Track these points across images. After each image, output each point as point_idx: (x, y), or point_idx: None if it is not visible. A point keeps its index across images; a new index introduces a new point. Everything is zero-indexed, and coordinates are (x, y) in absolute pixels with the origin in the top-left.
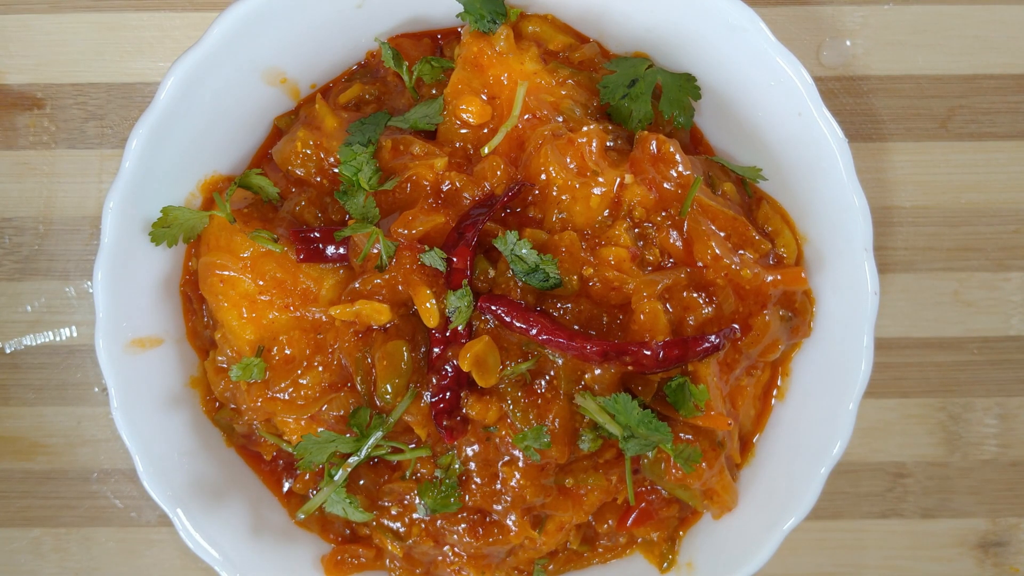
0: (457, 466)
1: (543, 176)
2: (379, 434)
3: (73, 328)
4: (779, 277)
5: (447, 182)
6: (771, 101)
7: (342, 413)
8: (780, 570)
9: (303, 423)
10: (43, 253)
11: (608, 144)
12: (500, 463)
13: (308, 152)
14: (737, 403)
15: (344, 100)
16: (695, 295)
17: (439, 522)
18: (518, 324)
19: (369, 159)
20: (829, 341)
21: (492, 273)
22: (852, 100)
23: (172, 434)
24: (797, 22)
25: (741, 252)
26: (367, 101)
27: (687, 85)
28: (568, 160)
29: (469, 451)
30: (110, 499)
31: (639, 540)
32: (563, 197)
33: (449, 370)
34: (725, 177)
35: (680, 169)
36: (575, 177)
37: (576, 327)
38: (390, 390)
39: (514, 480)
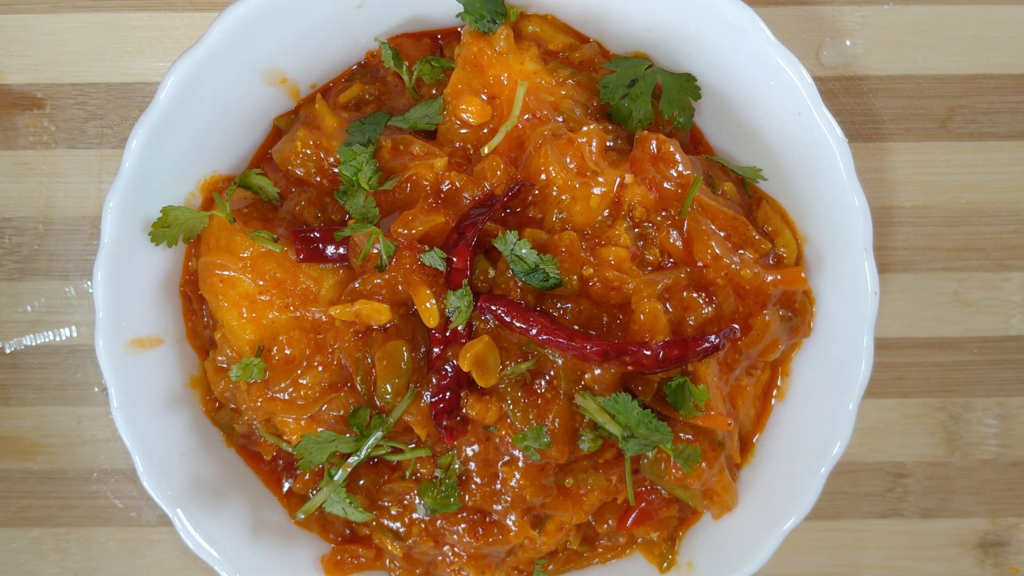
0: (457, 466)
1: (543, 176)
2: (379, 434)
3: (73, 328)
4: (779, 277)
5: (447, 182)
6: (771, 101)
7: (342, 413)
8: (780, 570)
9: (303, 423)
10: (43, 253)
11: (608, 144)
12: (500, 463)
13: (308, 152)
14: (737, 403)
15: (344, 100)
16: (695, 295)
17: (439, 522)
18: (518, 324)
19: (369, 159)
20: (829, 341)
21: (492, 273)
22: (852, 100)
23: (172, 434)
24: (797, 22)
25: (741, 252)
26: (367, 101)
27: (687, 85)
28: (568, 160)
29: (469, 451)
30: (110, 499)
31: (639, 540)
32: (563, 197)
33: (449, 370)
34: (725, 177)
35: (680, 169)
36: (575, 177)
37: (576, 327)
38: (390, 390)
39: (514, 480)
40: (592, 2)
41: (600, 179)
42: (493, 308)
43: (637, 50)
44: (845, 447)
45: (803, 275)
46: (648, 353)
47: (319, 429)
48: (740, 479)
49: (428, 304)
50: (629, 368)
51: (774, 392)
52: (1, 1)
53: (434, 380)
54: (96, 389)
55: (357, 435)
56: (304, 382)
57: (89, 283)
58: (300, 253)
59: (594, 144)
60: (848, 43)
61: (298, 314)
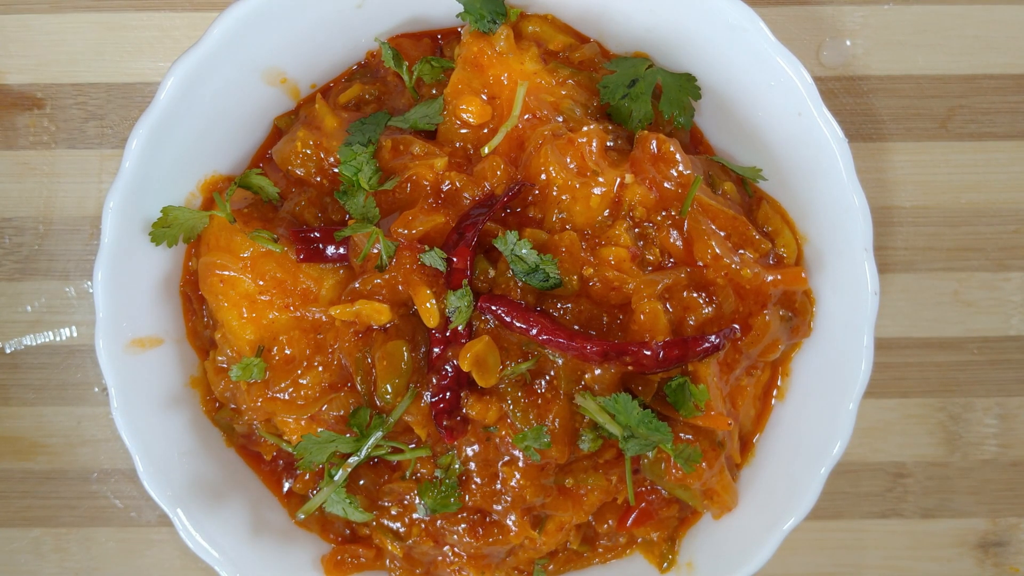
0: (457, 466)
1: (543, 176)
2: (379, 434)
3: (73, 328)
4: (779, 277)
5: (447, 182)
6: (771, 101)
7: (342, 413)
8: (780, 570)
9: (303, 423)
10: (43, 253)
11: (608, 144)
12: (500, 463)
13: (308, 152)
14: (737, 403)
15: (344, 100)
16: (695, 295)
17: (439, 522)
18: (518, 324)
19: (369, 159)
20: (829, 341)
21: (492, 273)
22: (852, 100)
23: (172, 434)
24: (797, 22)
25: (741, 252)
26: (367, 101)
27: (687, 85)
28: (568, 160)
29: (469, 451)
30: (110, 499)
31: (639, 540)
32: (563, 197)
33: (449, 370)
34: (725, 177)
35: (680, 168)
36: (575, 177)
37: (576, 327)
38: (390, 390)
39: (514, 480)
40: (592, 2)
41: (600, 179)
42: (493, 308)
43: (637, 50)
44: (845, 447)
45: (803, 275)
46: (648, 353)
47: (319, 429)
48: (740, 479)
49: (428, 304)
50: (629, 368)
51: (774, 392)
52: (1, 1)
53: (434, 380)
54: (96, 389)
55: (357, 435)
56: (304, 382)
57: (89, 283)
58: (300, 253)
59: (594, 144)
60: (848, 43)
61: (298, 314)
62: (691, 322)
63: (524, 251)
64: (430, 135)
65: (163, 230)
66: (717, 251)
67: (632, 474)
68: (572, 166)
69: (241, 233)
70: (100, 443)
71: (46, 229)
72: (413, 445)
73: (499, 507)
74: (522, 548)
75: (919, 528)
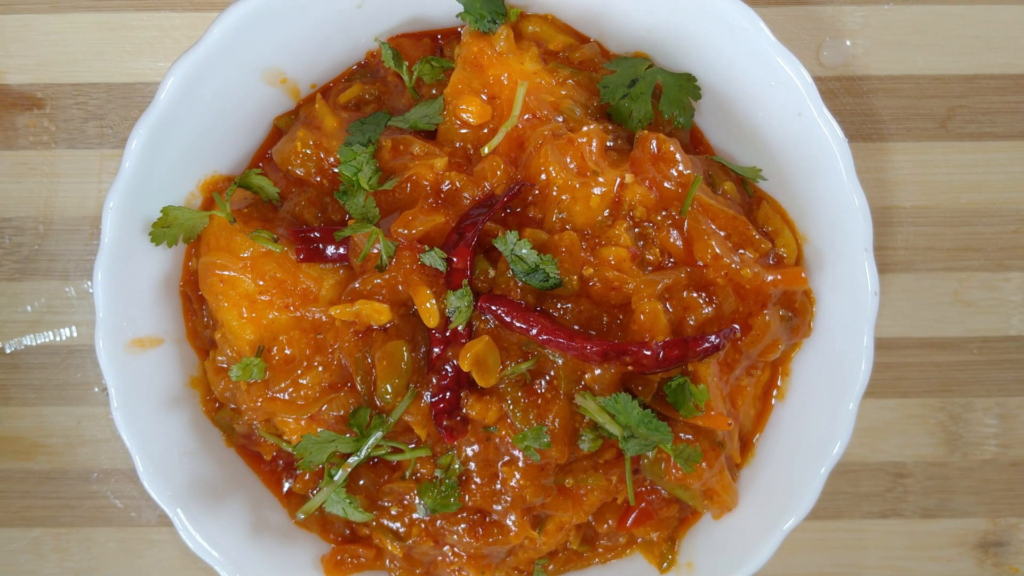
0: (457, 466)
1: (543, 176)
2: (379, 434)
3: (73, 328)
4: (779, 277)
5: (447, 182)
6: (771, 101)
7: (342, 413)
8: (780, 570)
9: (303, 423)
10: (43, 253)
11: (608, 144)
12: (500, 463)
13: (308, 152)
14: (737, 403)
15: (344, 100)
16: (695, 295)
17: (439, 522)
18: (518, 324)
19: (369, 159)
20: (829, 341)
21: (492, 273)
22: (852, 100)
23: (172, 434)
24: (797, 22)
25: (741, 251)
26: (367, 101)
27: (687, 85)
28: (568, 160)
29: (469, 451)
30: (110, 499)
31: (639, 540)
32: (563, 197)
33: (449, 370)
34: (725, 176)
35: (680, 168)
36: (575, 177)
37: (576, 327)
38: (390, 390)
39: (514, 480)
40: (592, 2)
41: (600, 179)
42: (493, 308)
43: (637, 50)
44: (845, 447)
45: (803, 275)
46: (648, 353)
47: (319, 429)
48: (740, 479)
49: (428, 304)
50: (629, 368)
51: (774, 392)
52: (1, 1)
53: (434, 380)
54: (96, 389)
55: (357, 435)
56: (304, 382)
57: (89, 283)
58: (300, 253)
59: (594, 144)
60: (848, 43)
61: (298, 314)
62: (691, 322)
63: (524, 251)
64: (430, 135)
65: (163, 230)
66: (717, 251)
67: (632, 474)
68: (572, 166)
69: (241, 233)
70: (100, 443)
71: (46, 229)
72: (413, 445)
73: (499, 507)
74: (522, 548)
75: (919, 528)
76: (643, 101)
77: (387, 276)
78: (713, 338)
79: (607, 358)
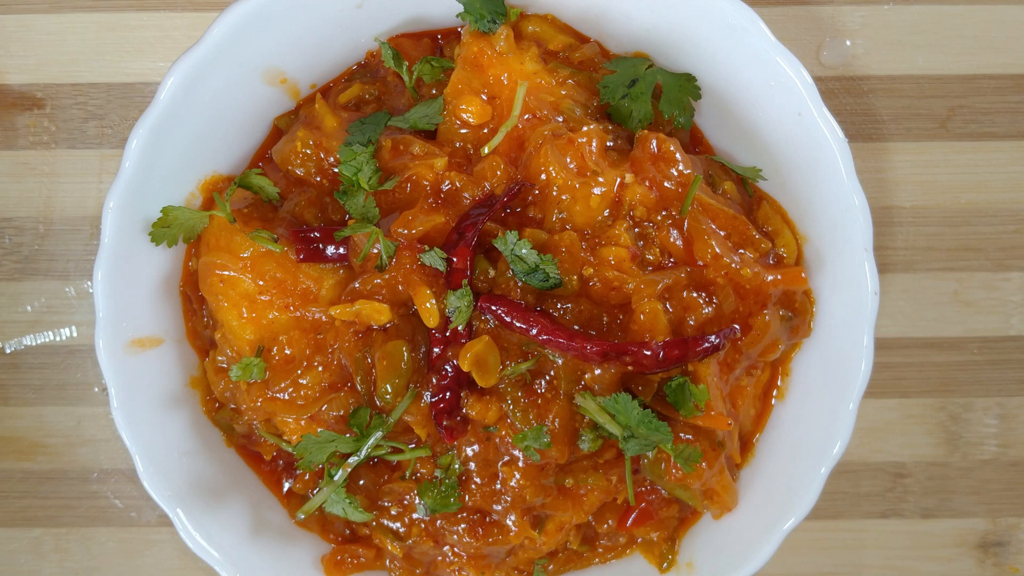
0: (457, 466)
1: (543, 176)
2: (379, 434)
3: (73, 328)
4: (779, 277)
5: (447, 182)
6: (771, 101)
7: (342, 413)
8: (780, 570)
9: (303, 423)
10: (43, 253)
11: (608, 144)
12: (500, 463)
13: (308, 152)
14: (737, 403)
15: (344, 100)
16: (695, 295)
17: (439, 522)
18: (518, 324)
19: (369, 159)
20: (829, 341)
21: (492, 273)
22: (852, 100)
23: (172, 434)
24: (797, 22)
25: (741, 251)
26: (367, 101)
27: (687, 85)
28: (568, 160)
29: (469, 451)
30: (110, 499)
31: (639, 540)
32: (563, 197)
33: (449, 370)
34: (725, 176)
35: (680, 168)
36: (575, 177)
37: (576, 327)
38: (390, 390)
39: (514, 480)
40: (592, 2)
41: (600, 179)
42: (493, 308)
43: (637, 50)
44: (845, 447)
45: (803, 275)
46: (648, 353)
47: (319, 429)
48: (740, 479)
49: (428, 304)
50: (629, 368)
51: (774, 392)
52: (1, 1)
53: (434, 380)
54: (96, 389)
55: (357, 435)
56: (304, 382)
57: (89, 283)
58: (300, 253)
59: (594, 144)
60: (848, 43)
61: (298, 314)
62: (691, 322)
63: (524, 251)
64: (430, 135)
65: (163, 230)
66: (717, 250)
67: (632, 474)
68: (572, 166)
69: (241, 233)
70: (100, 443)
71: (46, 229)
72: (413, 445)
73: (499, 507)
74: (522, 548)
75: (919, 528)
76: (643, 101)
77: (387, 276)
78: (713, 338)
79: (607, 358)
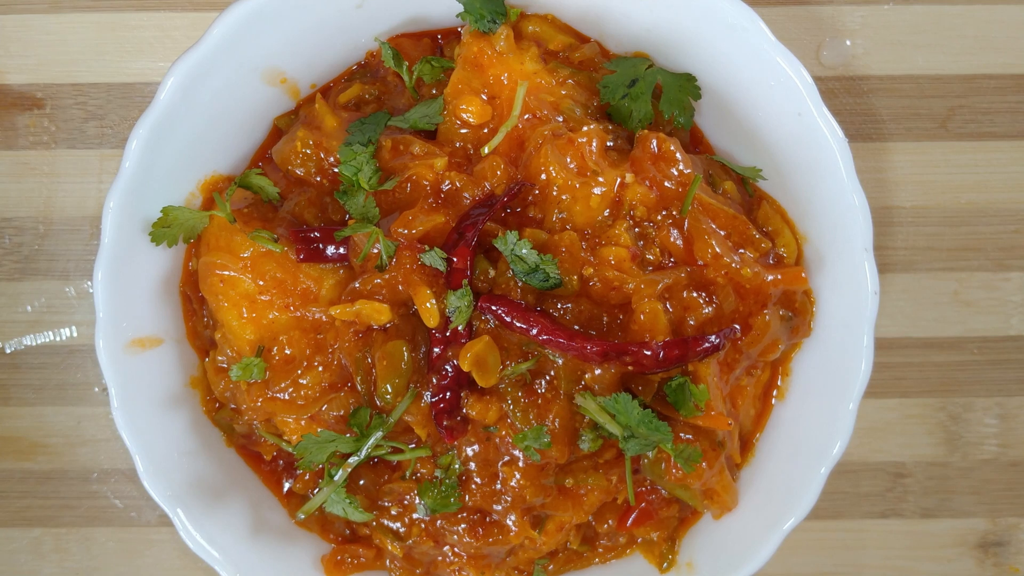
0: (457, 466)
1: (543, 176)
2: (379, 434)
3: (73, 328)
4: (779, 277)
5: (447, 182)
6: (771, 101)
7: (342, 413)
8: (780, 570)
9: (303, 423)
10: (43, 253)
11: (608, 144)
12: (500, 463)
13: (308, 152)
14: (737, 403)
15: (344, 100)
16: (695, 295)
17: (439, 522)
18: (518, 324)
19: (369, 159)
20: (829, 341)
21: (492, 273)
22: (852, 100)
23: (172, 434)
24: (797, 22)
25: (741, 251)
26: (367, 101)
27: (687, 85)
28: (568, 160)
29: (469, 451)
30: (110, 499)
31: (639, 540)
32: (563, 197)
33: (449, 370)
34: (725, 176)
35: (681, 167)
36: (575, 177)
37: (576, 327)
38: (390, 390)
39: (514, 480)
40: (592, 2)
41: (600, 179)
42: (493, 308)
43: (637, 50)
44: (845, 447)
45: (803, 275)
46: (648, 353)
47: (319, 429)
48: (740, 479)
49: (428, 304)
50: (629, 368)
51: (774, 392)
52: (1, 1)
53: (434, 380)
54: (96, 389)
55: (357, 435)
56: (304, 382)
57: (89, 283)
58: (300, 253)
59: (594, 144)
60: (848, 43)
61: (298, 314)
62: (691, 322)
63: (524, 251)
64: (430, 135)
65: (163, 230)
66: (717, 250)
67: (632, 474)
68: (572, 166)
69: (241, 233)
70: (100, 443)
71: (46, 229)
72: (413, 445)
73: (499, 507)
74: (522, 548)
75: (919, 528)
76: (643, 101)
77: (387, 276)
78: (713, 338)
79: (607, 358)
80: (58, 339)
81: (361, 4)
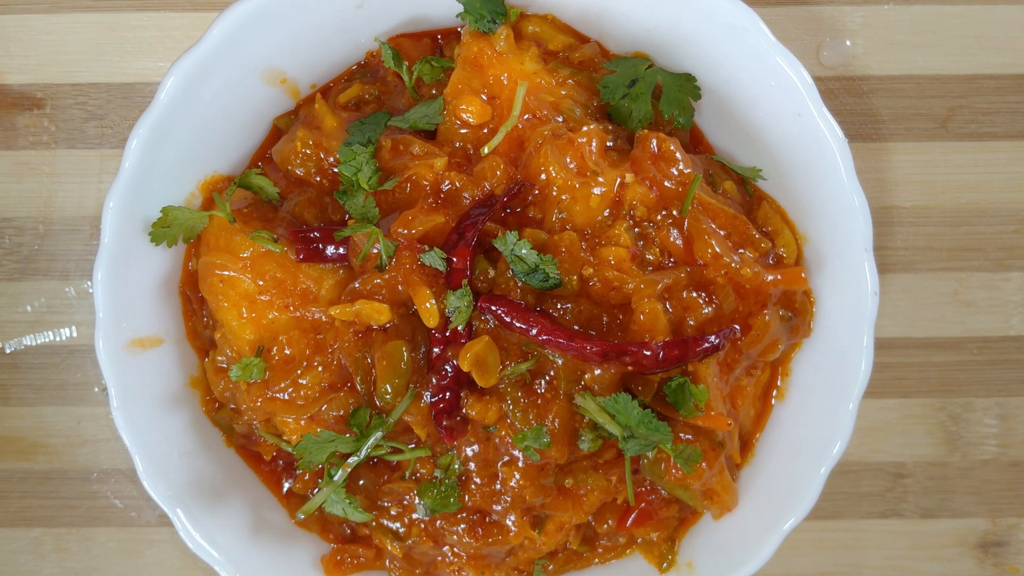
0: (457, 466)
1: (543, 176)
2: (379, 434)
3: (73, 328)
4: (779, 277)
5: (447, 182)
6: (771, 101)
7: (342, 413)
8: (780, 570)
9: (303, 423)
10: (43, 253)
11: (608, 144)
12: (500, 463)
13: (308, 152)
14: (737, 403)
15: (344, 100)
16: (695, 295)
17: (439, 522)
18: (518, 324)
19: (369, 159)
20: (829, 341)
21: (492, 273)
22: (852, 100)
23: (172, 434)
24: (797, 22)
25: (741, 251)
26: (367, 101)
27: (687, 85)
28: (568, 160)
29: (469, 451)
30: (110, 499)
31: (639, 540)
32: (563, 197)
33: (449, 370)
34: (725, 176)
35: (681, 167)
36: (575, 177)
37: (576, 327)
38: (390, 390)
39: (514, 480)
40: (592, 2)
41: (600, 179)
42: (493, 308)
43: (637, 50)
44: (845, 447)
45: (803, 275)
46: (648, 353)
47: (319, 429)
48: (740, 479)
49: (428, 304)
50: (629, 368)
51: (774, 392)
52: (1, 1)
53: (434, 380)
54: (96, 389)
55: (357, 435)
56: (304, 382)
57: (89, 283)
58: (300, 253)
59: (594, 144)
60: (848, 43)
61: (298, 314)
62: (691, 322)
63: (524, 251)
64: (430, 135)
65: (163, 230)
66: (717, 250)
67: (632, 474)
68: (572, 166)
69: (241, 233)
70: (100, 443)
71: (46, 229)
72: (413, 445)
73: (499, 507)
74: (522, 548)
75: (919, 528)
76: (643, 101)
77: (387, 276)
78: (713, 338)
79: (607, 358)
80: (58, 339)
81: (361, 4)
